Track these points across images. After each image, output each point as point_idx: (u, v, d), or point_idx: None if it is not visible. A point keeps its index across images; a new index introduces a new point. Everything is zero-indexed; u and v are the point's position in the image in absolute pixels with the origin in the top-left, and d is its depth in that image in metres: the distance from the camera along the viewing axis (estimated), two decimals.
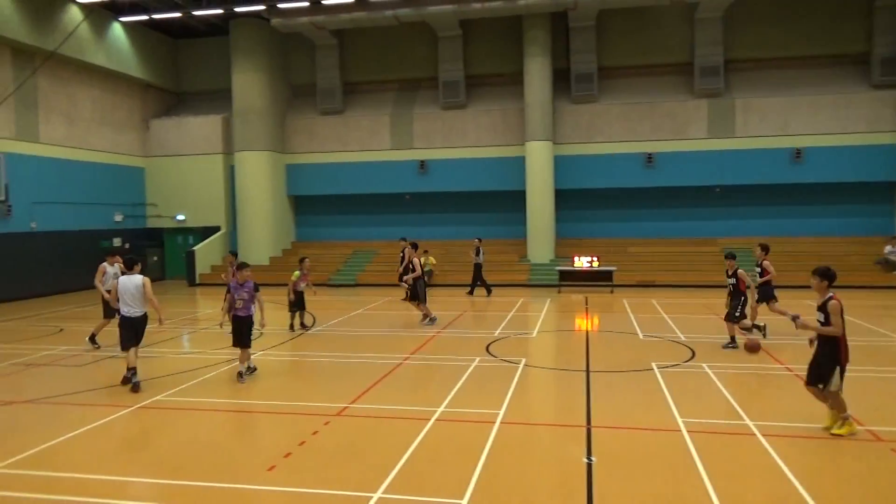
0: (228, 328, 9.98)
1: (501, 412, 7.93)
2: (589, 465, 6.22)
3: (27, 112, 21.80)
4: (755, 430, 7.09)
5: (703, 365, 10.41)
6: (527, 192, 24.53)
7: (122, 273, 10.54)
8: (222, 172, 27.25)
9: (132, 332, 9.75)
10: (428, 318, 14.93)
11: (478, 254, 20.87)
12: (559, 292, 21.19)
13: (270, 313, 15.11)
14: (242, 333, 9.81)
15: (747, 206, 24.81)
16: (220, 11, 23.48)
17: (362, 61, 27.06)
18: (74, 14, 22.38)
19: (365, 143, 26.64)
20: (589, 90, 24.80)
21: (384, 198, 27.06)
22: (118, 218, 25.88)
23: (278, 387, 10.27)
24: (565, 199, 25.41)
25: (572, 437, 7.09)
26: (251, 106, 25.87)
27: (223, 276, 14.59)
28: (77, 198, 23.72)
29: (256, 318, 10.13)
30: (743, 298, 11.64)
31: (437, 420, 7.69)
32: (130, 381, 9.43)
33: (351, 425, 7.68)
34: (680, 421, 7.52)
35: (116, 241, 25.34)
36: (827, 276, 7.00)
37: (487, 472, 6.10)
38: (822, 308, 6.93)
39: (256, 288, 9.93)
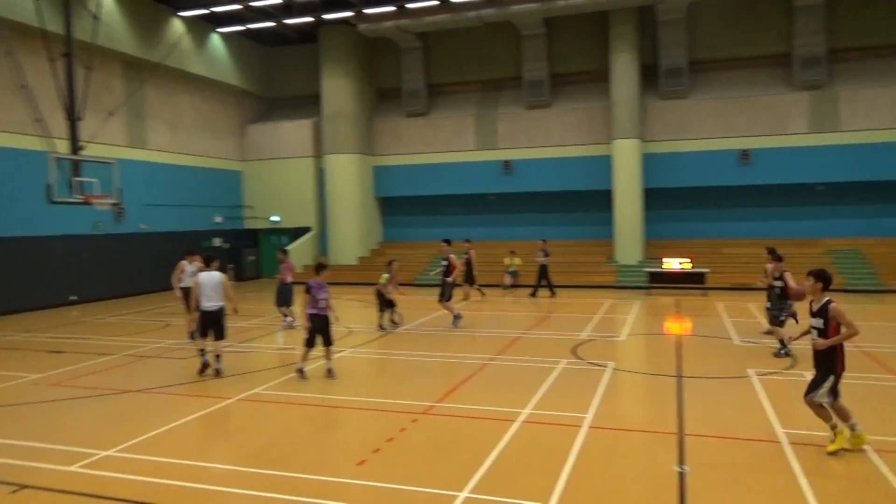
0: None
1: (589, 416, 7.82)
2: (681, 475, 6.04)
3: (137, 121, 23.35)
4: (864, 445, 6.66)
5: (805, 373, 9.86)
6: (614, 192, 24.03)
7: (201, 270, 11.26)
8: (313, 175, 28.20)
9: (210, 323, 10.52)
10: (454, 318, 14.90)
11: (545, 255, 20.61)
12: (648, 295, 20.62)
13: (358, 312, 15.57)
14: (325, 331, 10.13)
15: (854, 204, 23.27)
16: (310, 19, 24.33)
17: (446, 63, 27.30)
18: (177, 27, 23.76)
19: (449, 144, 26.88)
20: (679, 85, 23.99)
21: (468, 198, 27.20)
22: (218, 219, 27.28)
23: (367, 384, 10.55)
24: (654, 199, 24.69)
25: (663, 445, 6.90)
26: (340, 110, 26.65)
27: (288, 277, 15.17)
28: (181, 200, 25.19)
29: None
30: (788, 303, 11.03)
31: (523, 422, 7.68)
32: (206, 368, 10.38)
33: (437, 424, 7.79)
34: (780, 431, 7.17)
35: (217, 242, 26.74)
36: (821, 278, 6.58)
37: (575, 476, 6.04)
38: (820, 313, 6.49)
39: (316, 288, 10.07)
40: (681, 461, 6.36)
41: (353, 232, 26.99)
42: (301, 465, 6.43)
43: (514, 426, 7.51)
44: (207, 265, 10.93)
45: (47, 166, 15.70)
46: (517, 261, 23.06)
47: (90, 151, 17.76)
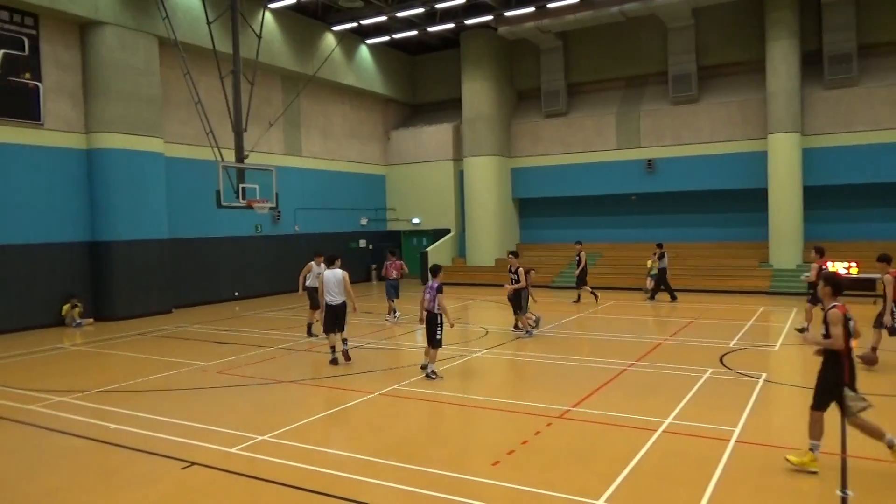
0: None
1: (737, 430, 7.35)
2: (844, 500, 5.51)
3: (293, 130, 25.13)
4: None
5: None
6: (769, 190, 22.32)
7: (326, 269, 12.04)
8: (453, 178, 28.80)
9: (335, 317, 11.48)
10: (525, 331, 14.17)
11: (661, 258, 19.77)
12: (808, 301, 18.89)
13: (493, 313, 15.69)
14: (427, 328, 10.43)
15: None
16: (451, 26, 24.87)
17: (586, 61, 26.76)
18: (329, 41, 25.26)
19: (589, 144, 26.33)
20: (846, 72, 21.78)
21: (609, 199, 26.48)
22: (363, 221, 28.67)
23: (502, 385, 10.61)
24: (815, 197, 22.61)
25: (823, 466, 6.32)
26: (479, 113, 27.01)
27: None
28: (330, 204, 26.78)
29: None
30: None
31: (664, 432, 7.37)
32: (335, 360, 11.42)
33: (573, 429, 7.67)
34: None
35: (362, 243, 28.11)
36: (831, 282, 6.26)
37: (721, 493, 5.70)
38: (824, 318, 6.16)
39: (439, 289, 10.30)
40: (843, 485, 5.80)
41: (490, 234, 27.23)
42: (437, 462, 6.61)
43: (655, 436, 7.22)
44: (331, 264, 11.79)
45: (217, 174, 17.33)
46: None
47: (252, 160, 19.37)
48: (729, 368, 10.53)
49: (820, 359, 6.39)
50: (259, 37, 19.47)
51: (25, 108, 16.83)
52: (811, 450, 6.15)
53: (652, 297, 20.08)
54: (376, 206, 29.65)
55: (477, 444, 7.41)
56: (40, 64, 17.12)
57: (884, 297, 10.21)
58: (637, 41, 25.65)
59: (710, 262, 23.19)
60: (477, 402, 9.05)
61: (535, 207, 28.60)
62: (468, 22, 24.38)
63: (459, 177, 28.54)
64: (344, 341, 11.64)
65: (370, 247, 28.76)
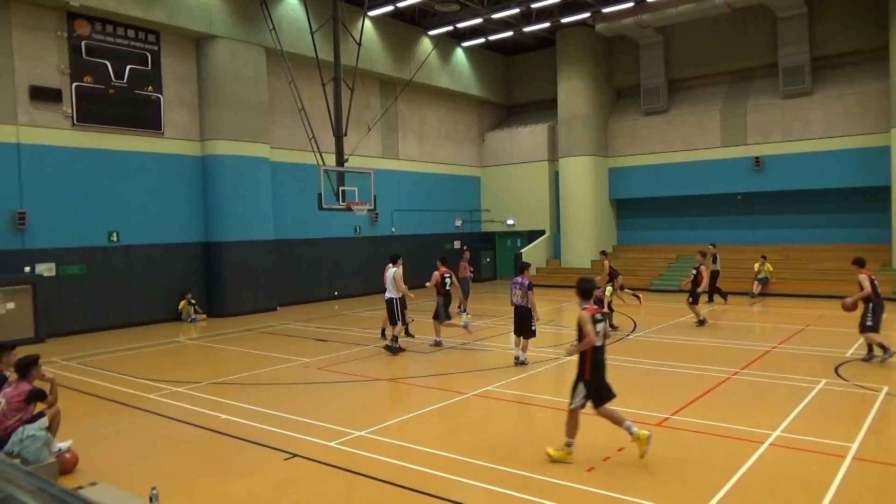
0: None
1: (854, 446, 6.85)
2: None
3: (390, 133, 25.75)
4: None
5: None
6: (893, 188, 20.62)
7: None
8: (547, 178, 28.51)
9: (391, 311, 12.78)
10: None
11: (714, 261, 19.35)
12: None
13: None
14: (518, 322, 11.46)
15: None
16: (547, 25, 24.65)
17: (689, 56, 25.75)
18: (426, 45, 25.68)
19: (691, 142, 25.32)
20: None
21: (712, 199, 25.33)
22: (458, 223, 28.93)
23: None
24: None
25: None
26: (576, 112, 26.59)
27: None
28: (426, 205, 27.21)
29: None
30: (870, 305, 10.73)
31: (771, 445, 6.98)
32: (393, 349, 12.53)
33: (672, 437, 7.42)
34: None
35: (456, 244, 28.37)
36: (579, 288, 6.85)
37: None
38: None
39: (530, 287, 11.31)
40: None
41: (586, 235, 26.73)
42: (530, 464, 6.58)
43: (761, 449, 6.86)
44: (394, 263, 13.09)
45: (319, 178, 18.03)
46: (768, 266, 20.92)
47: (351, 163, 19.99)
48: (845, 380, 9.84)
49: None
50: (359, 44, 20.07)
51: (148, 119, 18.19)
52: (568, 445, 6.68)
53: (710, 300, 19.37)
54: (471, 208, 29.83)
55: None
56: (161, 77, 18.45)
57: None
58: (743, 33, 24.41)
59: (825, 265, 21.69)
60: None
61: (632, 208, 27.82)
62: (564, 20, 24.07)
63: (555, 177, 28.22)
64: (382, 333, 13.64)
65: (465, 248, 28.93)
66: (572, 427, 6.72)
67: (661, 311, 18.48)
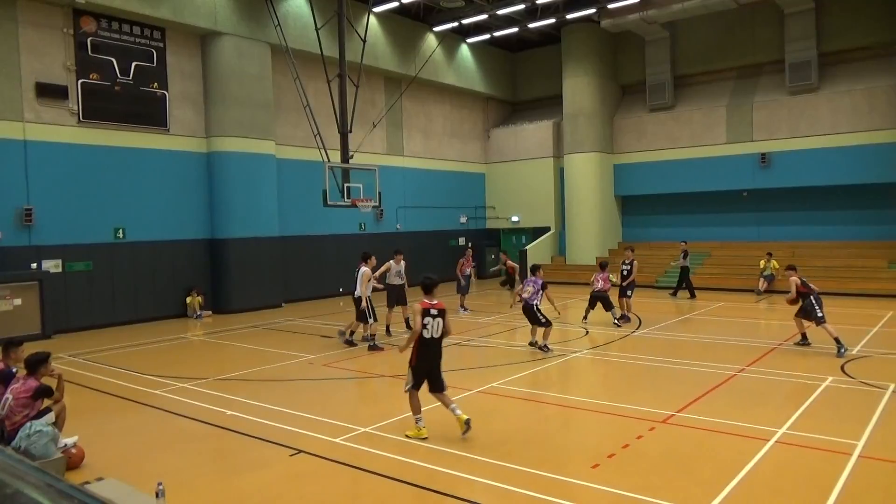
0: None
1: (860, 444, 6.83)
2: None
3: (395, 130, 25.74)
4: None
5: None
6: None
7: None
8: (553, 175, 28.46)
9: (362, 310, 12.86)
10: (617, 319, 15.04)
11: (685, 257, 20.17)
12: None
13: (593, 313, 15.39)
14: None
15: None
16: (552, 21, 24.58)
17: (695, 52, 25.65)
18: (431, 41, 25.64)
19: (697, 139, 25.23)
20: None
21: (717, 195, 25.23)
22: (463, 219, 28.92)
23: (603, 386, 10.41)
24: None
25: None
26: (581, 109, 26.52)
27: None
28: (431, 202, 27.20)
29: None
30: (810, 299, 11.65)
31: (777, 442, 6.97)
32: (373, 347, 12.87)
33: (677, 434, 7.41)
34: None
35: (461, 241, 28.37)
36: (422, 284, 7.75)
37: None
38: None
39: (544, 286, 12.44)
40: None
41: (591, 232, 26.68)
42: (534, 461, 6.58)
43: (767, 446, 6.84)
44: (364, 262, 13.11)
45: (324, 174, 18.05)
46: (774, 264, 20.84)
47: (356, 160, 20.00)
48: (851, 377, 9.80)
49: None
50: (364, 40, 20.06)
51: (154, 116, 18.22)
52: (417, 422, 7.43)
53: (674, 294, 20.51)
54: (476, 205, 29.81)
55: (576, 446, 7.32)
56: (167, 74, 18.48)
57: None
58: (750, 29, 24.30)
59: (831, 262, 21.61)
60: (577, 403, 8.93)
61: (638, 205, 27.75)
62: (569, 16, 23.98)
63: (560, 174, 28.16)
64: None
65: (470, 245, 28.93)
66: (415, 406, 7.49)
67: (667, 308, 18.45)
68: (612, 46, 27.28)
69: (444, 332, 7.58)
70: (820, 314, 11.52)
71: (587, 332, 14.39)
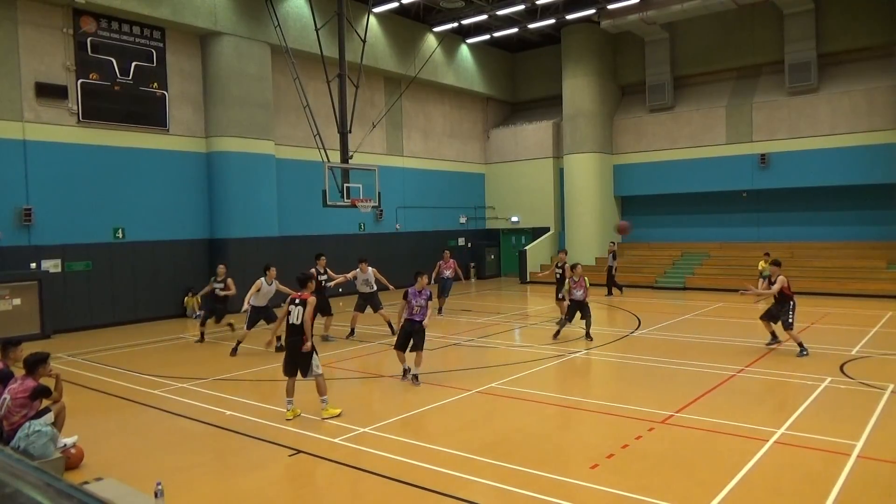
0: None
1: (859, 444, 6.84)
2: None
3: (394, 130, 25.73)
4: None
5: None
6: None
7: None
8: (552, 175, 28.47)
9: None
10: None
11: (614, 258, 21.66)
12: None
13: (593, 313, 15.39)
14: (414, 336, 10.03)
15: None
16: (552, 21, 24.58)
17: (694, 53, 25.66)
18: (431, 42, 25.64)
19: (697, 139, 25.25)
20: None
21: (717, 196, 25.23)
22: (462, 220, 28.92)
23: (602, 386, 10.42)
24: None
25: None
26: (580, 109, 26.52)
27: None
28: (431, 202, 27.19)
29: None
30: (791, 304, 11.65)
31: (776, 442, 6.98)
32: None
33: (676, 434, 7.42)
34: None
35: (461, 241, 28.38)
36: (299, 278, 9.02)
37: None
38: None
39: (430, 297, 10.26)
40: None
41: (591, 232, 26.68)
42: (533, 462, 6.58)
43: (766, 446, 6.85)
44: (265, 273, 13.47)
45: (323, 174, 18.04)
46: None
47: (356, 160, 20.00)
48: (850, 378, 9.81)
49: None
50: (364, 41, 20.06)
51: (154, 116, 18.21)
52: (288, 404, 8.31)
53: (609, 294, 21.20)
54: (475, 205, 29.80)
55: (575, 446, 7.32)
56: (166, 74, 18.47)
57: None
58: (749, 29, 24.32)
59: (830, 262, 21.64)
60: (576, 404, 8.93)
61: (637, 205, 27.76)
62: (569, 17, 23.97)
63: (559, 174, 28.17)
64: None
65: (469, 245, 28.97)
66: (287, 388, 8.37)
67: (667, 308, 18.47)
68: (612, 47, 27.29)
69: (304, 320, 8.26)
70: (791, 320, 11.60)
71: (586, 332, 14.38)
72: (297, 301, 8.41)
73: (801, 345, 11.44)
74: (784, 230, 23.79)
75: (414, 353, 9.96)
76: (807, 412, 8.08)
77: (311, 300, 8.40)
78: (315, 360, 8.30)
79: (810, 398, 8.68)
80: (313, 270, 13.82)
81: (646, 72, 26.38)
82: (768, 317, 12.06)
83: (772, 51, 23.89)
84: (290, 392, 8.36)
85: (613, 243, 22.77)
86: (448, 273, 17.50)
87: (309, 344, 8.24)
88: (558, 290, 15.52)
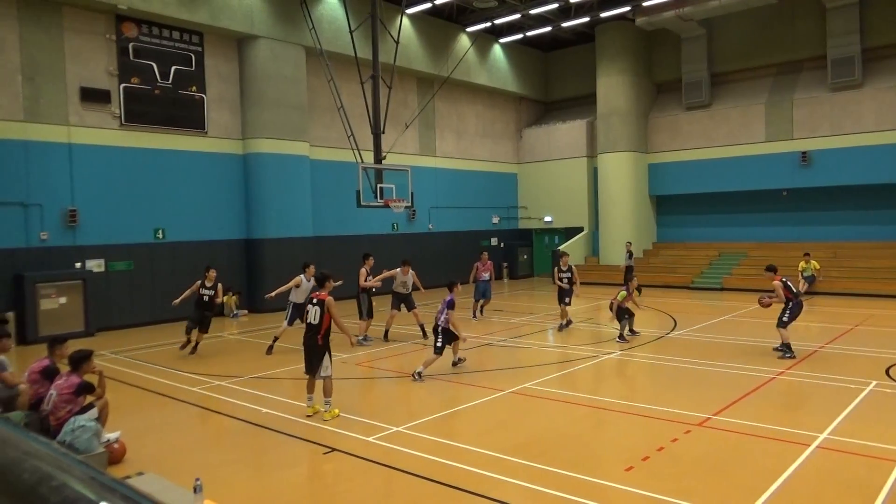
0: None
1: None
2: None
3: (427, 131, 25.81)
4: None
5: None
6: None
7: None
8: (586, 175, 28.21)
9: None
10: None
11: (630, 257, 22.19)
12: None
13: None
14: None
15: None
16: (586, 20, 24.37)
17: (732, 49, 25.16)
18: (464, 42, 25.65)
19: (734, 137, 24.75)
20: None
21: (755, 195, 24.69)
22: (495, 220, 28.86)
23: (637, 388, 10.29)
24: None
25: None
26: (615, 108, 26.24)
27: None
28: (463, 202, 27.20)
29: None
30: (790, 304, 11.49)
31: (818, 447, 6.80)
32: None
33: (713, 438, 7.29)
34: None
35: (493, 241, 28.32)
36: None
37: None
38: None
39: (451, 305, 10.64)
40: None
41: (625, 232, 26.35)
42: (566, 463, 6.53)
43: (807, 451, 6.68)
44: (304, 270, 13.43)
45: (357, 175, 18.19)
46: (814, 264, 20.34)
47: (389, 160, 20.12)
48: None
49: None
50: (397, 42, 20.17)
51: (193, 119, 18.60)
52: (308, 400, 8.54)
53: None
54: (508, 205, 29.72)
55: (609, 448, 7.25)
56: (204, 77, 18.84)
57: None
58: (790, 24, 23.75)
59: (874, 263, 21.00)
60: (610, 405, 8.84)
61: (673, 204, 27.34)
62: (603, 15, 23.75)
63: (593, 174, 27.90)
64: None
65: (502, 245, 28.89)
66: (328, 388, 8.41)
67: (703, 309, 18.15)
68: (647, 44, 26.93)
69: (322, 320, 8.36)
70: (785, 318, 11.44)
71: (621, 333, 14.22)
72: (314, 301, 8.49)
73: (787, 346, 11.28)
74: (826, 230, 23.17)
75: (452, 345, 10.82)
76: (850, 417, 7.86)
77: (329, 300, 8.43)
78: (326, 361, 8.38)
79: (854, 402, 8.43)
80: (363, 270, 13.99)
81: (682, 69, 25.96)
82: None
83: (813, 46, 23.28)
84: (309, 389, 8.54)
85: (630, 242, 23.57)
86: (486, 275, 16.97)
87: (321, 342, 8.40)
88: (565, 295, 15.03)
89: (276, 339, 13.15)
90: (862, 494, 5.62)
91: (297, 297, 13.21)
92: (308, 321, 8.50)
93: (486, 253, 17.94)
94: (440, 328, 10.52)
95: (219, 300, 13.57)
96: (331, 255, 21.93)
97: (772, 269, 12.18)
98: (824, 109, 22.80)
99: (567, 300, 14.97)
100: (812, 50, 23.36)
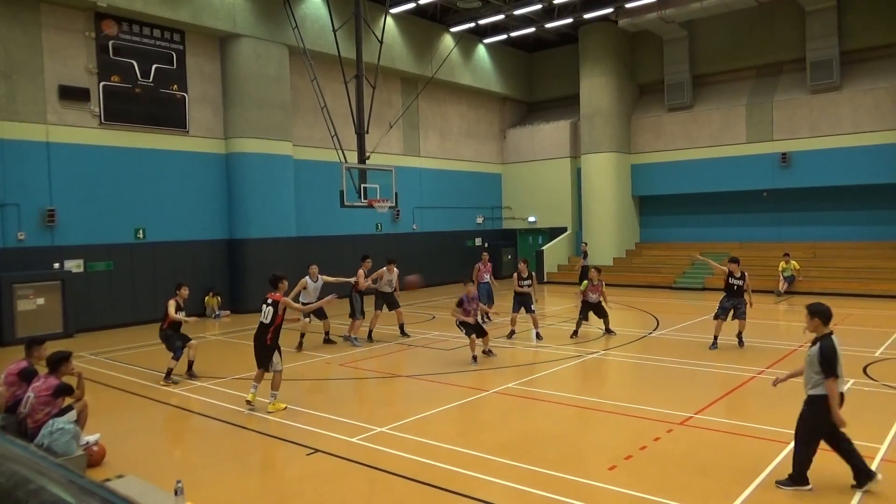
0: None
1: (883, 447, 6.75)
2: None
3: (411, 131, 25.78)
4: None
5: None
6: None
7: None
8: (570, 175, 28.34)
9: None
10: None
11: (585, 257, 22.29)
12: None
13: (614, 314, 15.30)
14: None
15: None
16: (569, 21, 24.48)
17: (714, 51, 25.41)
18: (448, 42, 25.66)
19: (716, 138, 25.00)
20: None
21: (736, 196, 24.97)
22: (479, 220, 28.89)
23: (620, 387, 10.36)
24: None
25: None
26: (598, 109, 26.39)
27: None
28: (448, 203, 27.20)
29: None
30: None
31: None
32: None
33: (695, 437, 7.35)
34: None
35: (478, 241, 28.35)
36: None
37: None
38: None
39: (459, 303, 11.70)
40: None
41: (609, 232, 26.54)
42: (550, 462, 6.56)
43: (787, 448, 6.75)
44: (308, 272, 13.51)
45: (341, 175, 18.11)
46: (794, 264, 20.61)
47: (373, 160, 20.06)
48: (874, 380, 9.66)
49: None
50: (381, 41, 20.12)
51: (174, 118, 18.42)
52: (252, 389, 8.80)
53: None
54: (492, 205, 29.77)
55: (593, 447, 7.29)
56: (186, 76, 18.66)
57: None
58: (770, 27, 24.04)
59: (853, 263, 21.33)
60: (593, 405, 8.88)
61: (656, 205, 27.56)
62: (587, 16, 23.89)
63: (577, 174, 28.04)
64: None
65: (486, 245, 28.92)
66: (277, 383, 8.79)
67: (685, 309, 18.31)
68: (630, 46, 27.11)
69: (273, 320, 8.76)
70: (717, 310, 12.39)
71: (603, 333, 14.31)
72: (269, 301, 8.84)
73: (714, 338, 12.22)
74: (806, 230, 23.49)
75: (481, 339, 11.64)
76: None
77: (284, 300, 8.82)
78: (276, 357, 8.74)
79: None
80: (361, 271, 14.10)
81: (664, 70, 26.17)
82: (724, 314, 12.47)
83: (793, 48, 23.59)
84: (257, 379, 8.91)
85: (586, 243, 24.24)
86: (487, 277, 16.34)
87: (270, 340, 8.75)
88: (528, 302, 14.10)
89: (303, 335, 13.44)
90: (840, 490, 5.70)
91: (307, 298, 13.32)
92: (260, 320, 8.85)
93: (486, 253, 17.43)
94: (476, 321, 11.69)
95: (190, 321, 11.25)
96: (314, 256, 21.81)
97: (735, 260, 12.88)
98: (804, 111, 23.10)
99: (532, 308, 14.07)
100: (792, 53, 23.66)
